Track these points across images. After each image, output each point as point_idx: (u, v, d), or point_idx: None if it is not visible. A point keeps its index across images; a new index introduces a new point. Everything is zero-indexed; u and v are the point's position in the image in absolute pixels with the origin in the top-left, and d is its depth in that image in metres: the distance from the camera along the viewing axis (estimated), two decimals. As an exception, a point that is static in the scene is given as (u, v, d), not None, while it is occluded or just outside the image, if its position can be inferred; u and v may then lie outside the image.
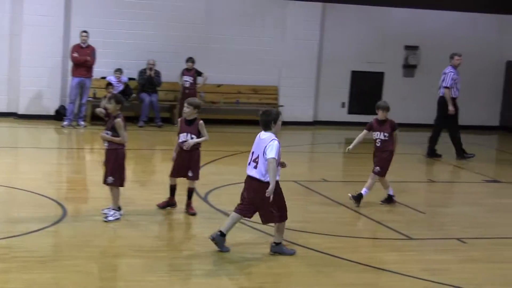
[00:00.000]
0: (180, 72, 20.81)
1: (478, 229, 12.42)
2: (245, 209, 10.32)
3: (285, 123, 21.71)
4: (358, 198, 13.26)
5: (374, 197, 13.95)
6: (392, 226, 12.03)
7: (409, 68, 23.17)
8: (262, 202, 10.14)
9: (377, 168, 13.38)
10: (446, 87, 18.16)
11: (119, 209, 11.39)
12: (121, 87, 20.37)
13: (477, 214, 13.55)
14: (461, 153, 18.35)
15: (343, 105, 22.84)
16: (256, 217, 10.56)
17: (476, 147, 20.85)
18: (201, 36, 21.47)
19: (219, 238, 10.28)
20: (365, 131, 13.49)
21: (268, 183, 10.01)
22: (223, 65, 21.66)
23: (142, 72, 20.71)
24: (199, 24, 21.44)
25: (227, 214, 12.08)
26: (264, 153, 10.06)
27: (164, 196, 13.30)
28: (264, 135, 10.29)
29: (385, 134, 13.31)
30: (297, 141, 20.20)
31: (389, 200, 13.55)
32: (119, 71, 20.39)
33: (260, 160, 10.13)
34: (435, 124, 18.60)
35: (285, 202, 10.33)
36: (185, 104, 11.79)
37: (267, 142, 10.13)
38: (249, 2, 21.71)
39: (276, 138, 10.18)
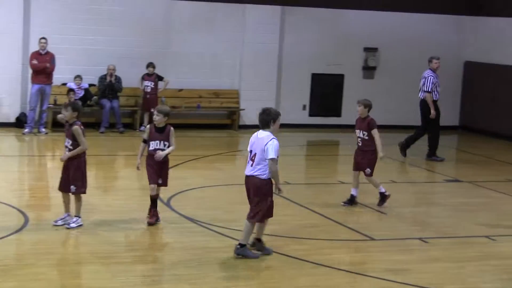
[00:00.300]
0: (140, 77, 20.76)
1: (439, 229, 12.54)
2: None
3: (246, 127, 21.83)
4: (380, 198, 13.44)
5: (336, 198, 14.04)
6: (355, 227, 12.11)
7: (368, 70, 23.32)
8: (254, 198, 10.28)
9: (368, 170, 13.43)
10: (427, 91, 18.31)
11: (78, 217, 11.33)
12: (81, 93, 20.27)
13: (438, 213, 13.69)
14: (432, 155, 18.52)
15: (304, 107, 22.92)
16: (217, 220, 10.59)
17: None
18: (160, 41, 21.42)
19: (241, 250, 10.33)
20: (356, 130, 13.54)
21: (266, 181, 10.17)
22: (183, 69, 21.63)
23: (102, 78, 20.62)
24: (159, 29, 21.40)
25: (189, 219, 12.10)
26: (264, 151, 10.12)
27: (126, 202, 13.27)
28: (262, 134, 10.34)
29: (364, 132, 13.34)
30: (259, 144, 20.21)
31: (383, 199, 13.61)
32: (79, 77, 20.29)
33: (257, 158, 10.20)
34: (421, 126, 18.78)
35: (271, 206, 10.39)
36: (155, 112, 11.77)
37: (266, 141, 10.16)
38: (208, 6, 21.70)
39: (275, 137, 10.25)
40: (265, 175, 10.19)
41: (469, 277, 10.16)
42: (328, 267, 10.19)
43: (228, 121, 22.19)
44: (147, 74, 20.71)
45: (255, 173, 10.23)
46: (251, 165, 10.25)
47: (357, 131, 13.42)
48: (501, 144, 20.51)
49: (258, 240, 10.56)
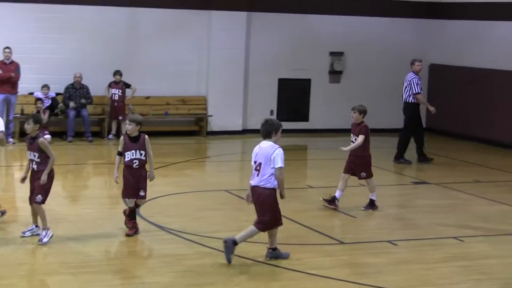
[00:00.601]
0: (107, 85, 20.69)
1: (408, 231, 12.63)
2: None
3: (214, 133, 21.85)
4: (368, 203, 13.60)
5: (305, 203, 14.09)
6: (324, 231, 12.16)
7: (335, 74, 23.41)
8: (260, 207, 10.43)
9: (363, 173, 13.60)
10: (417, 93, 18.49)
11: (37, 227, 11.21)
12: (49, 102, 20.16)
13: (407, 216, 13.77)
14: (400, 157, 18.67)
15: (271, 112, 22.94)
16: (187, 227, 10.57)
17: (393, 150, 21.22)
18: (127, 49, 21.35)
19: (274, 253, 10.55)
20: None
21: (272, 190, 10.34)
22: (150, 77, 21.58)
23: (68, 88, 20.51)
24: (124, 37, 21.33)
25: (159, 227, 12.08)
26: (270, 161, 10.30)
27: (95, 211, 13.22)
28: (265, 144, 10.58)
29: (357, 138, 13.51)
30: (227, 150, 20.25)
31: (372, 205, 13.75)
32: (46, 86, 20.16)
33: (263, 168, 10.34)
34: (404, 129, 18.93)
35: (279, 215, 10.57)
36: (127, 122, 11.68)
37: (271, 151, 10.40)
38: (173, 13, 21.65)
39: (280, 146, 10.46)
40: (270, 184, 10.36)
41: (438, 279, 10.23)
42: (299, 271, 10.23)
43: (196, 128, 22.17)
44: (114, 82, 20.65)
45: (261, 184, 10.37)
46: (257, 175, 10.40)
47: (352, 135, 13.68)
48: (466, 145, 20.70)
49: (273, 249, 10.64)
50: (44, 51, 20.54)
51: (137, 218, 12.36)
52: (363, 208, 13.68)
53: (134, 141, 11.56)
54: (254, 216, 13.07)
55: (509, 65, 21.17)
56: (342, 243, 11.66)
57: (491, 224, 13.11)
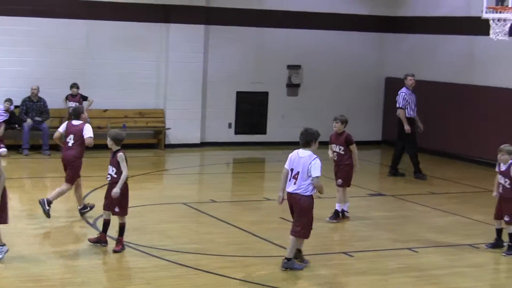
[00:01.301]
0: (64, 98, 20.66)
1: (364, 242, 12.79)
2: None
3: (172, 146, 21.89)
4: (333, 213, 13.85)
5: (262, 215, 14.19)
6: (281, 243, 12.24)
7: (292, 87, 23.58)
8: (297, 214, 10.92)
9: (339, 180, 13.88)
10: (399, 107, 18.69)
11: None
12: (7, 116, 20.07)
13: (362, 227, 13.92)
14: (418, 172, 18.89)
15: (230, 125, 23.05)
16: (144, 240, 10.57)
17: (360, 162, 21.38)
18: (84, 61, 21.32)
19: (288, 264, 10.90)
20: (330, 145, 14.00)
21: (310, 197, 10.84)
22: (108, 89, 21.56)
23: (25, 101, 20.43)
24: (82, 49, 21.29)
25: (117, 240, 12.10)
26: (308, 171, 10.70)
27: (52, 224, 13.19)
28: (303, 153, 10.93)
29: (340, 147, 13.78)
30: (185, 163, 20.30)
31: (338, 215, 13.97)
32: (9, 101, 20.06)
33: (300, 177, 10.76)
34: (396, 143, 19.13)
35: (312, 221, 11.01)
36: (108, 138, 11.69)
37: (309, 161, 10.79)
38: (131, 25, 21.66)
39: (317, 156, 10.84)
40: (308, 192, 10.80)
41: (392, 289, 10.40)
42: (255, 283, 10.31)
43: (154, 141, 22.20)
44: (71, 95, 20.62)
45: (300, 191, 10.81)
46: (294, 183, 10.81)
47: (333, 145, 13.91)
48: (421, 157, 20.89)
49: (299, 251, 11.18)
50: (1, 64, 20.46)
51: (95, 231, 12.40)
52: (327, 219, 13.85)
53: (112, 157, 11.63)
54: (212, 229, 13.21)
55: (461, 78, 21.50)
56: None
57: (444, 235, 13.32)
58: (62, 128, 13.52)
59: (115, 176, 11.53)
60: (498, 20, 16.52)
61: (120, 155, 11.50)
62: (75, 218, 13.51)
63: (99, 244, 11.66)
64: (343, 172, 13.87)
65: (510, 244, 12.16)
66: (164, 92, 22.09)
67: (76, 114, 13.56)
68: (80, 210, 13.59)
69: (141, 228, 13.00)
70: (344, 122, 13.84)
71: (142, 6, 21.68)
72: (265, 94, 23.29)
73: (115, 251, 11.43)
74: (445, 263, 11.76)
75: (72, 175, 13.39)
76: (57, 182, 17.35)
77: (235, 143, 22.87)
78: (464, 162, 21.05)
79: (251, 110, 23.22)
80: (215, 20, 22.40)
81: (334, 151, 13.91)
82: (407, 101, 18.72)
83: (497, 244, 12.38)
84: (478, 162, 20.65)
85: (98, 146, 17.29)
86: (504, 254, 12.12)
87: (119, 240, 11.56)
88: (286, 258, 10.93)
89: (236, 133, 23.11)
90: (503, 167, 12.23)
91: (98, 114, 21.38)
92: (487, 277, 11.28)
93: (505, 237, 12.36)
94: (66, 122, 13.74)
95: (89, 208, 13.57)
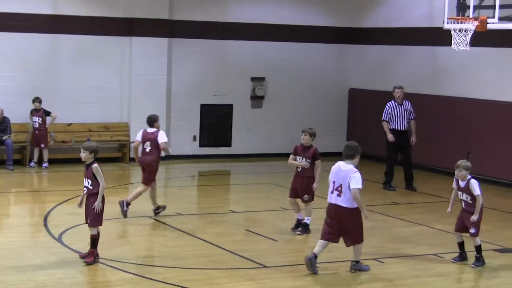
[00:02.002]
0: (29, 113, 20.54)
1: (329, 253, 12.78)
2: (332, 234, 11.47)
3: (137, 159, 21.76)
4: (302, 227, 13.94)
5: (228, 228, 14.21)
6: (247, 255, 12.27)
7: (257, 99, 23.65)
8: (349, 226, 11.36)
9: (306, 196, 13.93)
10: (383, 120, 18.97)
11: None
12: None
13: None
14: (409, 184, 19.01)
15: (194, 138, 23.05)
16: (109, 254, 10.51)
17: (325, 173, 21.44)
18: (47, 75, 21.20)
19: (357, 266, 11.59)
20: (291, 156, 13.99)
21: (356, 208, 11.24)
22: (72, 103, 21.46)
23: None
24: (45, 63, 21.17)
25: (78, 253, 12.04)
26: (349, 184, 11.17)
27: (17, 239, 13.11)
28: (345, 167, 11.40)
29: (308, 160, 13.83)
30: (150, 176, 20.21)
31: (306, 229, 14.03)
32: None
33: (345, 189, 11.22)
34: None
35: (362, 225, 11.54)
36: (82, 150, 11.68)
37: (350, 174, 11.23)
38: (93, 39, 21.60)
39: (358, 170, 11.30)
40: (354, 204, 11.26)
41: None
42: (222, 296, 10.33)
43: (118, 154, 22.12)
44: (35, 110, 20.51)
45: (344, 204, 11.27)
46: (338, 195, 11.29)
47: (299, 157, 13.90)
48: (385, 168, 21.05)
49: (357, 262, 11.63)
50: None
51: (60, 245, 12.35)
52: (298, 233, 13.90)
53: (86, 169, 11.61)
54: (178, 242, 13.19)
55: (424, 88, 21.70)
56: (264, 266, 11.79)
57: (409, 245, 13.42)
58: (139, 137, 15.16)
59: (91, 188, 11.57)
60: (460, 30, 16.73)
61: (95, 166, 11.52)
62: (40, 233, 13.44)
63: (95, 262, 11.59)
64: (308, 186, 13.86)
65: (478, 256, 12.24)
66: (128, 106, 22.05)
67: (151, 122, 15.16)
68: (154, 210, 15.04)
69: (107, 241, 12.93)
70: (313, 135, 13.88)
71: (104, 20, 21.64)
72: (230, 106, 23.33)
73: (86, 263, 11.43)
74: (411, 273, 11.85)
75: (148, 178, 14.94)
76: (20, 197, 17.31)
77: (200, 156, 22.87)
78: (426, 172, 21.21)
79: (215, 123, 23.24)
80: (178, 33, 22.42)
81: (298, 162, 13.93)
82: (390, 113, 18.88)
83: (462, 257, 12.44)
84: (440, 171, 20.83)
85: (63, 161, 17.33)
86: (473, 265, 12.20)
87: (91, 252, 11.56)
88: (354, 261, 11.59)
89: (201, 145, 23.12)
90: (462, 184, 12.29)
91: (62, 128, 21.28)
92: (453, 286, 11.38)
93: (468, 248, 12.44)
94: (142, 130, 15.27)
95: (162, 209, 15.06)
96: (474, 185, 12.12)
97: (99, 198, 11.50)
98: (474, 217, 12.03)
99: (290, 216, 14.57)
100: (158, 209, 15.06)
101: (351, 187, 11.12)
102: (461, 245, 12.46)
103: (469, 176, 12.24)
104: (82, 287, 10.57)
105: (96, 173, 11.50)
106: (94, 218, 11.57)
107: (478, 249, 12.24)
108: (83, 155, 11.57)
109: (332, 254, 12.72)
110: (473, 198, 12.11)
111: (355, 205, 11.25)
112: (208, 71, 22.90)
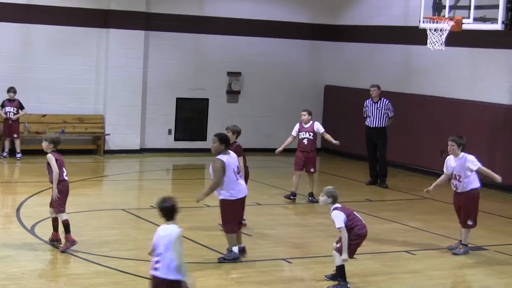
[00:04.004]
0: (0, 103, 20.40)
1: (302, 249, 12.90)
2: None
3: (112, 152, 21.76)
4: None
5: (203, 222, 14.22)
6: (221, 250, 12.29)
7: (232, 94, 23.66)
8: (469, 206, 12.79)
9: None
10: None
11: None
12: None
13: (301, 234, 14.04)
14: (381, 181, 19.13)
15: (169, 132, 23.02)
16: (82, 246, 10.45)
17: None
18: (22, 66, 21.08)
19: (466, 248, 12.84)
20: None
21: (476, 190, 12.83)
22: (47, 94, 21.37)
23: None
24: (19, 54, 21.04)
25: (54, 246, 12.01)
26: (467, 168, 12.62)
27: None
28: (460, 158, 12.69)
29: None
30: (124, 169, 20.20)
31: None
32: None
33: (464, 176, 12.63)
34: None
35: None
36: (44, 140, 11.84)
37: (466, 162, 12.64)
38: (69, 30, 21.50)
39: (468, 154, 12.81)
40: (474, 185, 12.66)
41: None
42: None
43: (93, 147, 22.05)
44: (8, 100, 20.36)
45: (465, 190, 12.63)
46: (458, 181, 12.65)
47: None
48: (359, 165, 21.15)
49: (466, 245, 12.90)
50: None
51: (33, 237, 12.31)
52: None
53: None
54: (151, 235, 13.13)
55: (399, 87, 21.80)
56: (238, 261, 11.81)
57: (381, 241, 13.49)
58: (294, 131, 16.83)
59: (49, 176, 11.87)
60: (435, 30, 16.85)
61: (48, 155, 11.74)
62: (11, 224, 13.39)
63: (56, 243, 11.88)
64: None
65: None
66: (104, 98, 21.98)
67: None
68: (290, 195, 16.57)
69: (80, 234, 12.90)
70: (236, 132, 13.90)
71: (80, 11, 21.56)
72: (205, 100, 23.33)
73: (62, 251, 11.59)
74: (383, 269, 11.93)
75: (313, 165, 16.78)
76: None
77: (175, 150, 22.85)
78: (400, 169, 21.32)
79: (191, 117, 23.23)
80: (155, 26, 22.37)
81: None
82: (366, 111, 19.12)
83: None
84: (414, 169, 20.96)
85: (36, 152, 17.25)
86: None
87: (66, 238, 11.75)
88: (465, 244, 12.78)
89: (176, 139, 23.10)
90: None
91: (36, 119, 21.17)
92: (424, 283, 11.46)
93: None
94: (298, 124, 16.87)
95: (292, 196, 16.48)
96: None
97: (54, 185, 11.74)
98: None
99: (264, 211, 14.62)
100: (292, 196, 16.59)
101: (473, 169, 12.66)
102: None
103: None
104: (54, 280, 10.54)
105: (49, 161, 11.68)
106: (57, 205, 11.80)
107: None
108: (44, 144, 11.81)
109: (307, 250, 12.79)
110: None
111: (475, 186, 12.77)
112: (184, 65, 22.88)
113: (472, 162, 12.62)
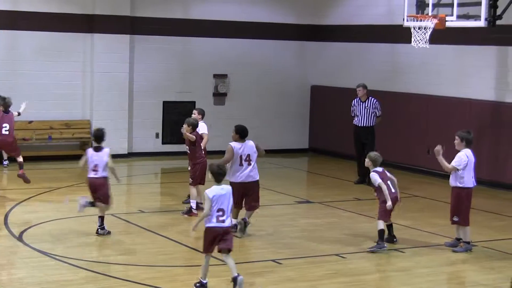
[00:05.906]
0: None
1: (292, 250, 12.89)
2: None
3: (99, 157, 21.62)
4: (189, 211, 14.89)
5: (191, 225, 14.18)
6: (216, 255, 12.25)
7: (219, 96, 23.64)
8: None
9: (190, 179, 15.26)
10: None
11: None
12: None
13: (290, 235, 14.03)
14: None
15: (157, 135, 22.99)
16: (71, 253, 10.44)
17: (288, 170, 21.57)
18: (7, 72, 21.00)
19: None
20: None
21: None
22: (33, 100, 21.24)
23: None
24: (5, 60, 20.96)
25: (43, 253, 11.96)
26: None
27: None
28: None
29: (187, 147, 15.32)
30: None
31: (191, 210, 14.96)
32: None
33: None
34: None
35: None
36: None
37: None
38: (54, 36, 21.43)
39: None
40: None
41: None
42: (184, 293, 10.32)
43: (80, 152, 21.89)
44: (-5, 108, 20.26)
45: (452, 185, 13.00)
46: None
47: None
48: (347, 164, 21.17)
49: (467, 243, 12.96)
50: None
51: (21, 244, 12.27)
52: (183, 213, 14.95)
53: None
54: (140, 239, 13.16)
55: (384, 85, 21.82)
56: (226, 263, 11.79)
57: (370, 240, 13.49)
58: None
59: None
60: (419, 28, 16.89)
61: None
62: (0, 232, 13.34)
63: None
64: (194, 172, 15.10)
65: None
66: (90, 103, 21.93)
67: None
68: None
69: (68, 239, 12.90)
70: (191, 125, 15.29)
71: (65, 16, 21.50)
72: (192, 103, 23.28)
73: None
74: (373, 268, 11.96)
75: None
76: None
77: (163, 153, 22.82)
78: (388, 168, 21.28)
79: (178, 120, 23.15)
80: (140, 29, 22.35)
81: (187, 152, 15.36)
82: (352, 110, 19.25)
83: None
84: (402, 168, 20.97)
85: (23, 159, 17.20)
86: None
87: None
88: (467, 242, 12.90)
89: (164, 143, 23.07)
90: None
91: (23, 126, 21.07)
92: (414, 281, 11.48)
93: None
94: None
95: None
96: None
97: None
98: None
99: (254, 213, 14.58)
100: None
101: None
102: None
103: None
104: (43, 287, 10.50)
105: None
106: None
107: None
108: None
109: (297, 250, 12.79)
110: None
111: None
112: (170, 68, 22.86)
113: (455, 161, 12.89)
